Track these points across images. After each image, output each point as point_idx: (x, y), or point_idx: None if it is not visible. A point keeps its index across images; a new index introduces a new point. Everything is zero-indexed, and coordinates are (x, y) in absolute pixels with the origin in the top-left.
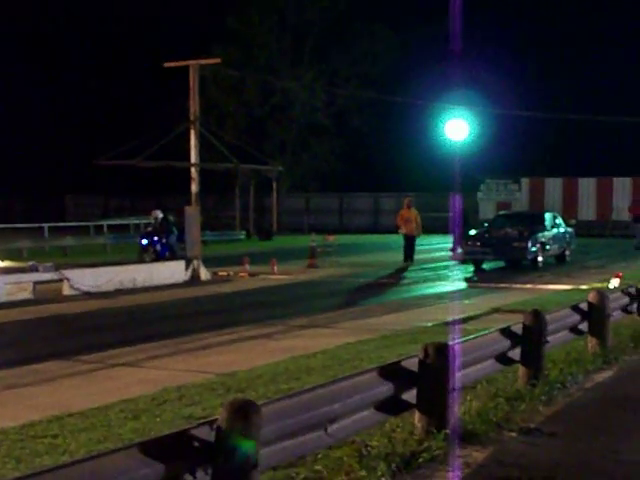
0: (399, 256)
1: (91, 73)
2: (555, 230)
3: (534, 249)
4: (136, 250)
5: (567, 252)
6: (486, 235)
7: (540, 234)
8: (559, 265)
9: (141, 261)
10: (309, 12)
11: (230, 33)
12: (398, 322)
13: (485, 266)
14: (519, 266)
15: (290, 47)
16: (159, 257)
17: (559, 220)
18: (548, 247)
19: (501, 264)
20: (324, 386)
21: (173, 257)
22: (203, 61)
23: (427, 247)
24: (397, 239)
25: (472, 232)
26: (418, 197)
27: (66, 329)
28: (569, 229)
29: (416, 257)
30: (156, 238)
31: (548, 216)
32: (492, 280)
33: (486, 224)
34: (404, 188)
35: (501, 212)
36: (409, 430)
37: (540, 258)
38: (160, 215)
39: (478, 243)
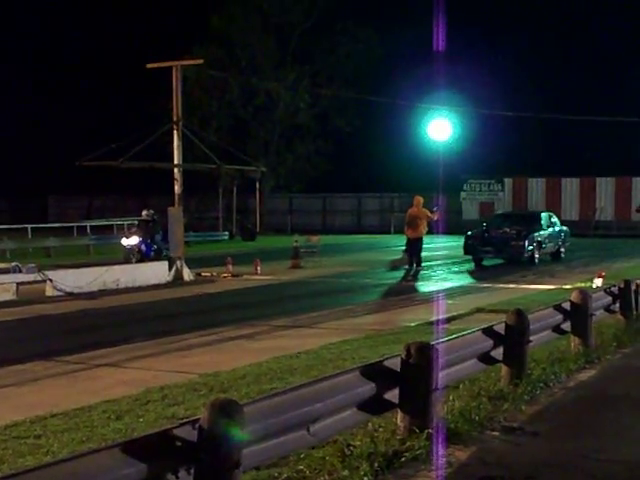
0: (382, 256)
1: (74, 74)
2: (551, 229)
3: (531, 247)
4: (120, 251)
5: (562, 250)
6: (485, 234)
7: (536, 233)
8: (554, 262)
9: (127, 262)
10: (292, 13)
11: (213, 34)
12: (381, 322)
13: (485, 263)
14: (517, 263)
15: (273, 48)
16: (144, 257)
17: (555, 219)
18: (544, 245)
19: (497, 262)
20: (306, 386)
21: (159, 257)
22: (186, 62)
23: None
24: (381, 240)
25: (469, 233)
26: (401, 198)
27: (49, 330)
28: (564, 228)
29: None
30: (141, 239)
31: (544, 215)
32: (475, 280)
33: (484, 224)
34: (387, 189)
35: (499, 212)
36: (392, 430)
37: (537, 256)
38: (151, 213)
39: (479, 242)
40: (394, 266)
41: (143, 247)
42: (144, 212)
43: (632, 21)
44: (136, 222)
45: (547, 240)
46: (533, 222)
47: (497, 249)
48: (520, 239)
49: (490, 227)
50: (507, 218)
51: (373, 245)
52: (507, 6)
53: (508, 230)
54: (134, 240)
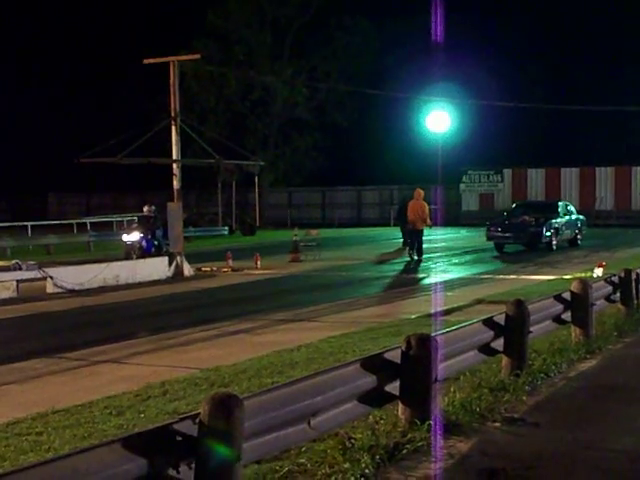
0: (382, 249)
1: (72, 70)
2: (567, 217)
3: (548, 234)
4: (120, 247)
5: (579, 237)
6: (506, 222)
7: (554, 220)
8: (572, 248)
9: (127, 258)
10: (289, 7)
11: (210, 29)
12: (381, 314)
13: (507, 249)
14: (535, 249)
15: (270, 42)
16: (145, 253)
17: (571, 208)
18: (561, 232)
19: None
20: (306, 379)
21: (160, 253)
22: (183, 57)
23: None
24: (380, 232)
25: (490, 221)
26: (401, 190)
27: (50, 327)
28: (580, 216)
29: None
30: (142, 234)
31: (561, 204)
32: (475, 271)
33: (505, 213)
34: (386, 181)
35: (518, 202)
36: (392, 422)
37: (554, 242)
38: (153, 209)
39: (499, 229)
40: (380, 261)
41: (144, 243)
42: (145, 208)
43: (629, 10)
44: (136, 218)
45: (564, 227)
46: (551, 210)
47: (517, 236)
48: (538, 226)
49: (510, 215)
50: (526, 207)
51: (373, 238)
52: None
53: (527, 218)
54: (135, 236)
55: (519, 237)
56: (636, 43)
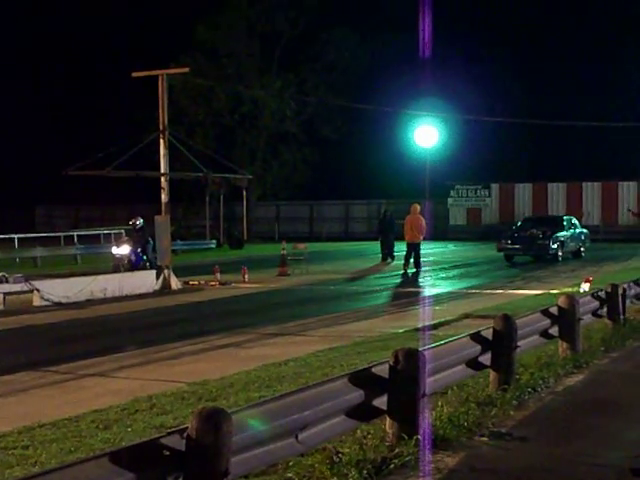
0: (369, 263)
1: (60, 83)
2: (572, 230)
3: (555, 246)
4: (107, 260)
5: (582, 249)
6: (515, 235)
7: (560, 234)
8: (575, 259)
9: (115, 271)
10: (278, 22)
11: (199, 42)
12: (369, 329)
13: (516, 260)
14: (542, 260)
15: (259, 56)
16: (134, 267)
17: (575, 222)
18: (566, 245)
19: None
20: (294, 393)
21: (151, 267)
22: (172, 70)
23: (397, 254)
24: (368, 247)
25: (501, 234)
26: (389, 204)
27: (37, 340)
28: (584, 230)
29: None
30: (131, 248)
31: (566, 219)
32: (463, 286)
33: (514, 227)
34: (375, 195)
35: (526, 216)
36: (380, 436)
37: (560, 253)
38: (140, 222)
39: (509, 241)
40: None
41: (133, 257)
42: (131, 221)
43: (615, 29)
44: (123, 231)
45: (569, 240)
46: (556, 224)
47: (525, 247)
48: (545, 239)
49: (519, 229)
50: (533, 221)
51: (360, 252)
52: (492, 13)
53: (535, 231)
54: (125, 249)
55: (528, 249)
56: (622, 60)
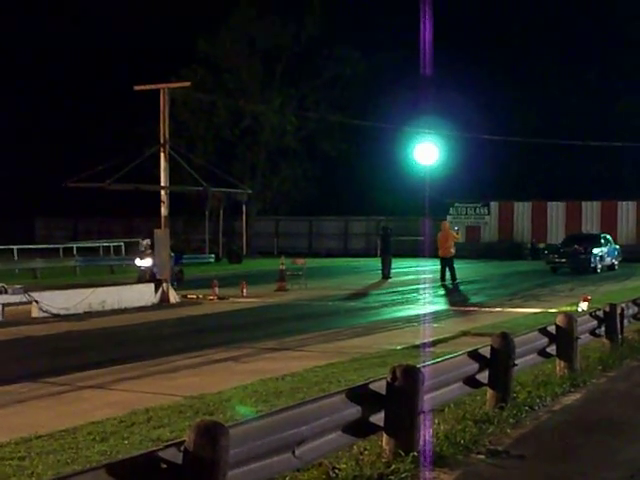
0: (368, 279)
1: (61, 95)
2: (608, 246)
3: (594, 260)
4: (104, 272)
5: (615, 263)
6: (561, 250)
7: (598, 249)
8: (610, 271)
9: (140, 281)
10: (279, 37)
11: (200, 57)
12: (367, 345)
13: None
14: (583, 273)
15: (260, 71)
16: (155, 279)
17: (610, 238)
18: (603, 259)
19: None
20: (292, 408)
21: (176, 280)
22: (173, 85)
23: (396, 271)
24: (366, 263)
25: (547, 250)
26: (388, 221)
27: (35, 351)
28: (617, 246)
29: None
30: (154, 261)
31: (603, 236)
32: (461, 303)
33: (559, 243)
34: (374, 212)
35: (569, 234)
36: (377, 453)
37: (599, 267)
38: (148, 240)
39: (556, 256)
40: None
41: (155, 269)
42: (145, 241)
43: (618, 46)
44: (148, 240)
45: (606, 255)
46: (595, 241)
47: (569, 261)
48: (587, 254)
49: (563, 245)
50: (575, 238)
51: (358, 268)
52: (493, 32)
53: (578, 247)
54: (148, 262)
55: (572, 263)
56: (624, 78)
